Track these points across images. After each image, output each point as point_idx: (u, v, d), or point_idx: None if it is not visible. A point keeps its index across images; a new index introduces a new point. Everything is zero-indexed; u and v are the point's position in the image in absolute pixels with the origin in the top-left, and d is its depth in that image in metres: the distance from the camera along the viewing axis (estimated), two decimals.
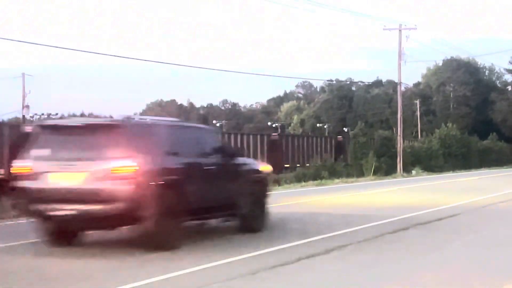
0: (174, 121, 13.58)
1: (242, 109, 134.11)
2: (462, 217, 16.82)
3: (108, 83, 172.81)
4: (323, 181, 36.39)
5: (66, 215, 10.70)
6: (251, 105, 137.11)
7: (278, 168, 44.73)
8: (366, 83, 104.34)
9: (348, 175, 41.69)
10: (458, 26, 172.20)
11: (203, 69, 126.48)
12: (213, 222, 13.93)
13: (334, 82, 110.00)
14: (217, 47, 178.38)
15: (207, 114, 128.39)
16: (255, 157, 43.41)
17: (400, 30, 49.53)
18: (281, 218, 16.28)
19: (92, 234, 13.87)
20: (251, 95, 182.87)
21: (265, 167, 15.27)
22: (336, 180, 37.42)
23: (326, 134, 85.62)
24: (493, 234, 13.77)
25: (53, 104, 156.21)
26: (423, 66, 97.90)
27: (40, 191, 10.92)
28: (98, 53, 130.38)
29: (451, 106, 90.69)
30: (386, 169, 46.69)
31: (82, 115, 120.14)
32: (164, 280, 8.78)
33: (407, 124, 78.74)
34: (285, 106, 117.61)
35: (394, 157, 49.09)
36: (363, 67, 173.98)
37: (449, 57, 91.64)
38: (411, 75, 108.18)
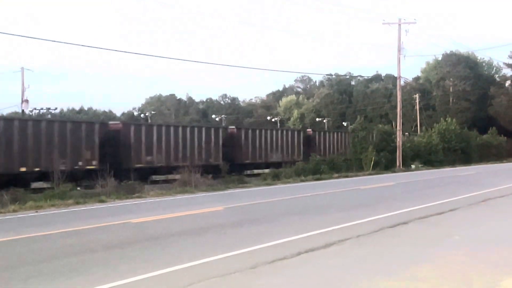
0: None
1: (241, 104, 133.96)
2: (461, 212, 16.84)
3: (107, 77, 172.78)
4: (322, 175, 36.45)
5: None
6: (251, 99, 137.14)
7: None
8: (366, 78, 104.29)
9: (348, 170, 41.73)
10: (457, 21, 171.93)
11: (202, 64, 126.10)
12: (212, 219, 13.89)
13: (333, 76, 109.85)
14: (217, 42, 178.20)
15: (207, 109, 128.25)
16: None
17: (399, 24, 49.48)
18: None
19: (95, 231, 13.93)
20: (250, 90, 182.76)
21: None
22: (335, 175, 37.47)
23: (326, 128, 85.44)
24: (492, 228, 13.78)
25: (52, 98, 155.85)
26: (422, 60, 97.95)
27: None
28: (97, 47, 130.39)
29: (451, 100, 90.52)
30: (385, 163, 46.70)
31: (81, 109, 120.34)
32: (163, 275, 8.80)
33: (407, 118, 78.74)
34: (284, 101, 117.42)
35: (393, 151, 49.10)
36: (362, 61, 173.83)
37: (448, 52, 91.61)
38: (410, 70, 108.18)
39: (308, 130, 55.77)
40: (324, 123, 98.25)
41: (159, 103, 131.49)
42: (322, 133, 54.86)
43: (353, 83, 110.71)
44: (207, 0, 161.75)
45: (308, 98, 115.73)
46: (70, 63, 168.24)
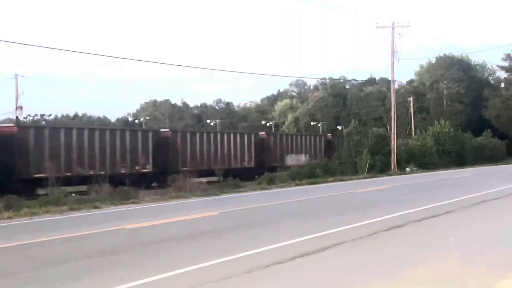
0: None
1: (236, 108, 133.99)
2: (457, 214, 16.86)
3: (100, 83, 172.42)
4: (317, 179, 36.42)
5: None
6: (245, 104, 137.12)
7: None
8: (360, 81, 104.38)
9: (343, 173, 41.69)
10: (451, 24, 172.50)
11: (197, 69, 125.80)
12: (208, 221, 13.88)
13: (327, 80, 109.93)
14: (211, 47, 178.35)
15: (201, 114, 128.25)
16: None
17: (392, 28, 49.52)
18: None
19: (90, 237, 13.88)
20: (245, 94, 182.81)
21: None
22: (330, 178, 37.44)
23: (321, 132, 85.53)
24: (487, 230, 13.80)
25: (46, 105, 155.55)
26: (416, 63, 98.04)
27: None
28: (92, 54, 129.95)
29: (445, 103, 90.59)
30: (380, 166, 46.69)
31: (75, 116, 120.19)
32: (159, 280, 8.78)
33: (401, 121, 78.77)
34: (279, 105, 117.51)
35: (388, 154, 49.07)
36: (356, 65, 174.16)
37: (442, 55, 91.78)
38: (404, 73, 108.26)
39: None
40: (319, 127, 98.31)
41: (153, 108, 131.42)
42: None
43: (347, 86, 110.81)
44: (201, 5, 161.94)
45: (302, 102, 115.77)
46: (63, 69, 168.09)
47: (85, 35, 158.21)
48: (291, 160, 47.34)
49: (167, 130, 41.71)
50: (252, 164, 44.32)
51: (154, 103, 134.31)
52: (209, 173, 39.11)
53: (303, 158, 47.94)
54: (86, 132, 34.07)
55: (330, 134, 59.21)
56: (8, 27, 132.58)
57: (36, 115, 77.33)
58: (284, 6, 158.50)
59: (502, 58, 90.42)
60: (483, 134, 74.18)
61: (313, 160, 46.82)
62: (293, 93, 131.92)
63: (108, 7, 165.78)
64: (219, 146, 41.89)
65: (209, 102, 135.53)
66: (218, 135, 42.85)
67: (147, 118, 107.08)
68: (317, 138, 53.26)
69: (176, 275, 9.08)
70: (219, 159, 41.61)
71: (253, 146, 44.57)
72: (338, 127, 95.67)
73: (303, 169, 40.10)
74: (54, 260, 10.71)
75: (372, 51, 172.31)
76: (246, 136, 45.22)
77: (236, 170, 41.34)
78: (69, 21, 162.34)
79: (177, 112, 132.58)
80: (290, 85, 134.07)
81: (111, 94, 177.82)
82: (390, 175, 44.46)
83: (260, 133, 48.82)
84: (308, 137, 52.70)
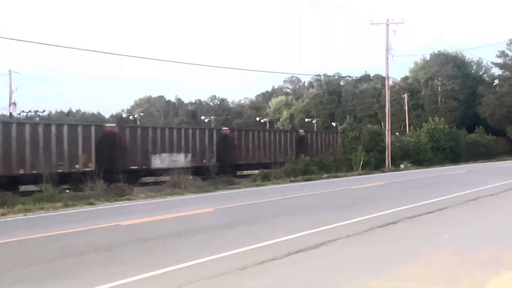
0: None
1: (230, 105, 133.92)
2: (451, 211, 16.90)
3: (94, 79, 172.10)
4: (312, 176, 36.46)
5: None
6: (240, 100, 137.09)
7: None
8: (354, 78, 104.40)
9: (338, 170, 41.75)
10: (446, 21, 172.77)
11: (191, 65, 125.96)
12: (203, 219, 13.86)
13: (322, 77, 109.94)
14: (205, 43, 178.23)
15: (196, 110, 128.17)
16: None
17: (387, 25, 49.54)
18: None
19: (85, 233, 13.88)
20: (239, 91, 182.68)
21: None
22: (325, 175, 37.50)
23: (315, 129, 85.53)
24: (481, 227, 13.83)
25: (40, 101, 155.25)
26: (411, 60, 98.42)
27: None
28: (87, 50, 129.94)
29: (439, 100, 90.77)
30: (375, 163, 46.77)
31: (69, 112, 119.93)
32: (152, 277, 8.78)
33: (396, 118, 78.90)
34: (274, 102, 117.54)
35: (383, 151, 49.17)
36: (355, 63, 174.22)
37: (436, 51, 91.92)
38: (399, 70, 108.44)
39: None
40: (314, 123, 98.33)
41: (148, 104, 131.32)
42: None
43: (342, 83, 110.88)
44: (195, 2, 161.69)
45: (297, 99, 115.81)
46: (58, 67, 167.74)
47: (79, 33, 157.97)
48: (161, 161, 37.04)
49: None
50: (92, 167, 31.26)
51: (149, 100, 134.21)
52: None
53: (182, 159, 38.39)
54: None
55: (227, 128, 46.31)
56: (7, 26, 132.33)
57: (30, 111, 77.17)
58: (282, 6, 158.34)
59: (497, 55, 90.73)
60: (475, 130, 74.34)
61: (204, 161, 39.36)
62: (288, 90, 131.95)
63: (103, 5, 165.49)
64: (27, 143, 29.34)
65: (204, 98, 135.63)
66: (27, 127, 29.84)
67: (142, 114, 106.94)
68: (206, 132, 41.03)
69: (171, 272, 9.09)
70: (27, 160, 29.31)
71: (93, 143, 32.39)
72: (333, 123, 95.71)
73: (298, 165, 40.08)
74: (48, 256, 10.71)
75: (371, 49, 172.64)
76: (80, 128, 32.30)
77: (65, 175, 30.48)
78: (64, 19, 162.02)
79: (171, 108, 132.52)
80: (285, 81, 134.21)
81: (106, 91, 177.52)
82: (385, 171, 44.53)
83: (107, 125, 36.46)
84: (191, 131, 40.15)
